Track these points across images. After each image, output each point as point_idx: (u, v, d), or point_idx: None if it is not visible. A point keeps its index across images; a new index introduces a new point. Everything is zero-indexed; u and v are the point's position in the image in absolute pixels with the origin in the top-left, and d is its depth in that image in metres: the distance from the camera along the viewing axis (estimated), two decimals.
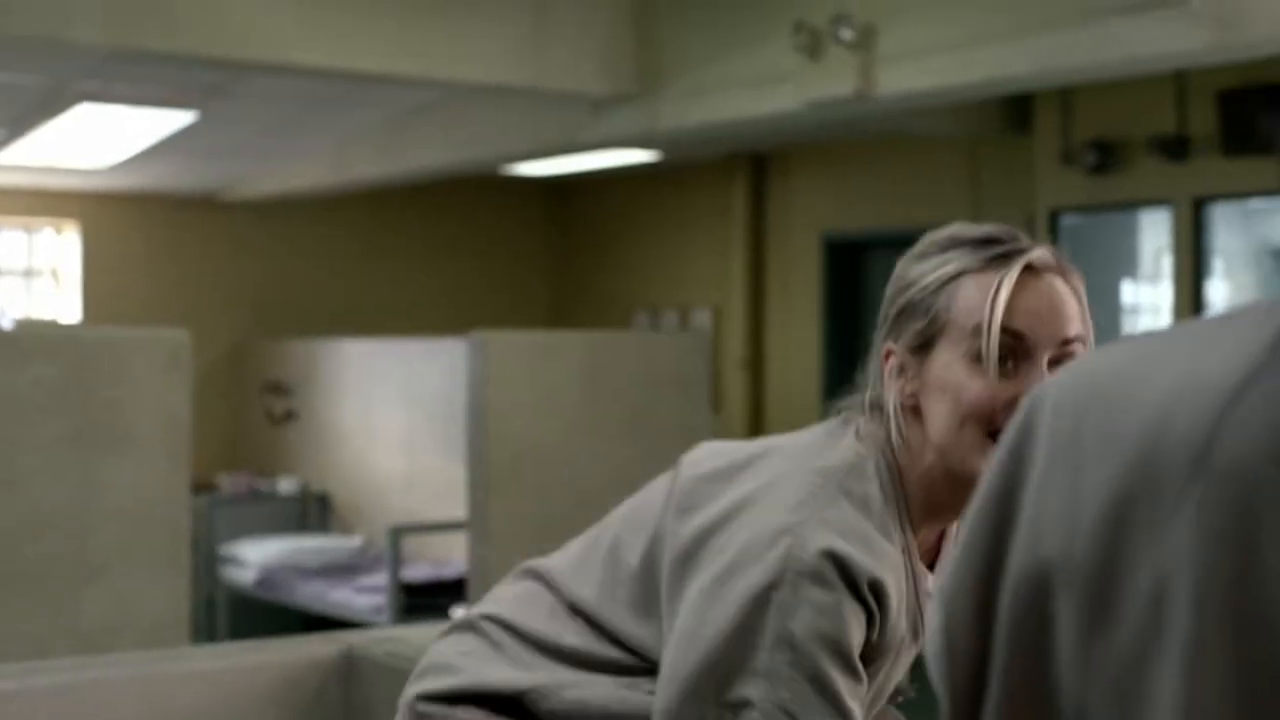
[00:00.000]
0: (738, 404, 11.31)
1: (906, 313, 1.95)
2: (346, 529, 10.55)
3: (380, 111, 9.77)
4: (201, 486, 8.72)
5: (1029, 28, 6.54)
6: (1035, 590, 0.76)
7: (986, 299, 1.88)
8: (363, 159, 10.47)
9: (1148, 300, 9.73)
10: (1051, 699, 0.76)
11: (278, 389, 11.21)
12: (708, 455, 2.04)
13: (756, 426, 11.29)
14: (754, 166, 11.38)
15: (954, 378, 1.89)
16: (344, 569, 9.84)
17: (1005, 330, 1.87)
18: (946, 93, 7.25)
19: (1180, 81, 8.30)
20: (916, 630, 1.98)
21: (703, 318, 11.82)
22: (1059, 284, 1.93)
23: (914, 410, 1.94)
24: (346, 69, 7.43)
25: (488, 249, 12.73)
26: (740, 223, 11.42)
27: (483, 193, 12.47)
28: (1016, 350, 1.88)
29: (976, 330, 1.88)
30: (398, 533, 8.63)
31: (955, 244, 1.95)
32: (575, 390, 7.76)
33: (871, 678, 1.93)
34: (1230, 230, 8.92)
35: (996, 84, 7.22)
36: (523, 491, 7.53)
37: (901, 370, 1.95)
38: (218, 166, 10.85)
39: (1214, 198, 8.41)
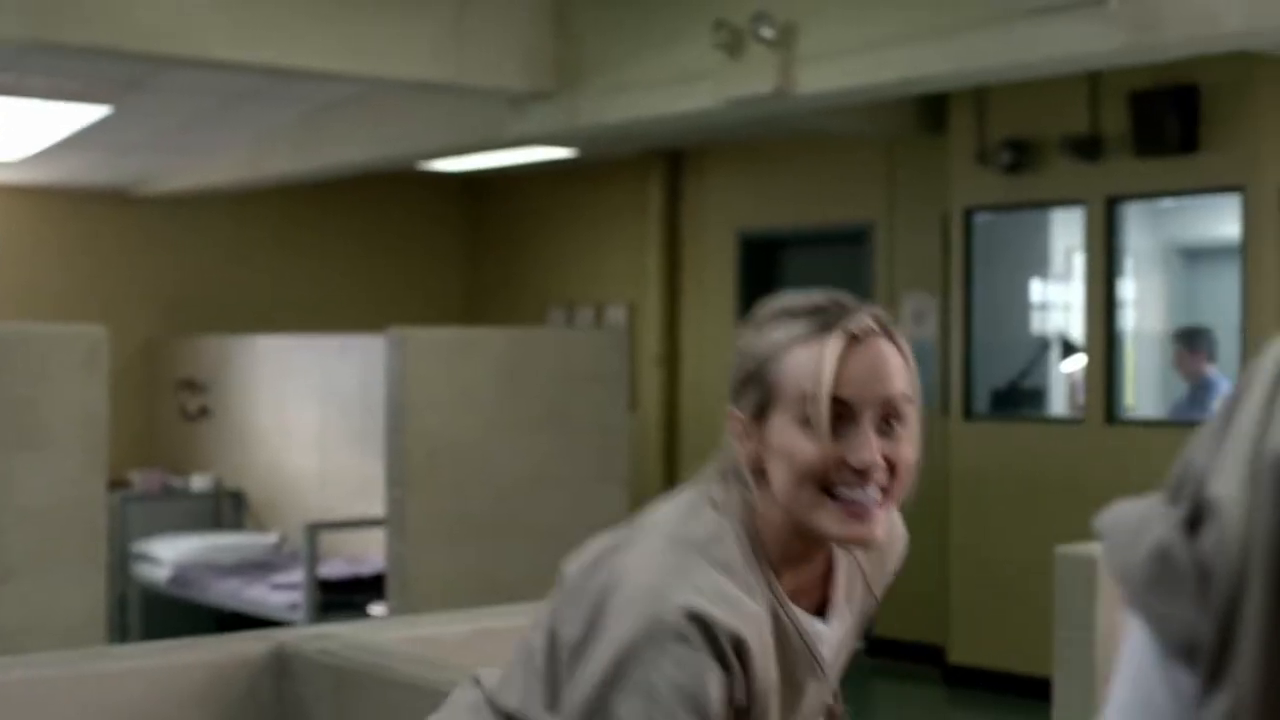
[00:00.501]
0: (653, 401, 11.35)
1: (745, 383, 2.06)
2: (261, 526, 10.49)
3: (297, 107, 9.73)
4: (114, 484, 8.63)
5: (946, 28, 6.61)
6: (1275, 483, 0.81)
7: (812, 368, 1.98)
8: (279, 154, 10.41)
9: (1058, 298, 9.85)
10: None
11: (191, 385, 11.13)
12: (587, 547, 2.15)
13: (671, 423, 11.33)
14: (670, 164, 11.41)
15: (787, 442, 2.00)
16: (259, 566, 9.79)
17: (831, 397, 1.97)
18: (865, 91, 7.31)
19: (1094, 82, 8.41)
20: (814, 668, 2.08)
21: (618, 314, 11.84)
22: (883, 346, 2.02)
23: (760, 472, 2.05)
24: (264, 64, 7.39)
25: (403, 245, 12.69)
26: (656, 220, 11.45)
27: (399, 189, 12.43)
28: (843, 414, 1.98)
29: (804, 398, 1.98)
30: (314, 530, 8.60)
31: (786, 314, 2.05)
32: (493, 387, 7.76)
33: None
34: (1140, 229, 9.05)
35: (914, 83, 7.29)
36: (440, 488, 7.53)
37: (746, 434, 2.06)
38: (133, 161, 10.76)
39: (1126, 197, 8.52)
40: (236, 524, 10.60)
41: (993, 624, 8.91)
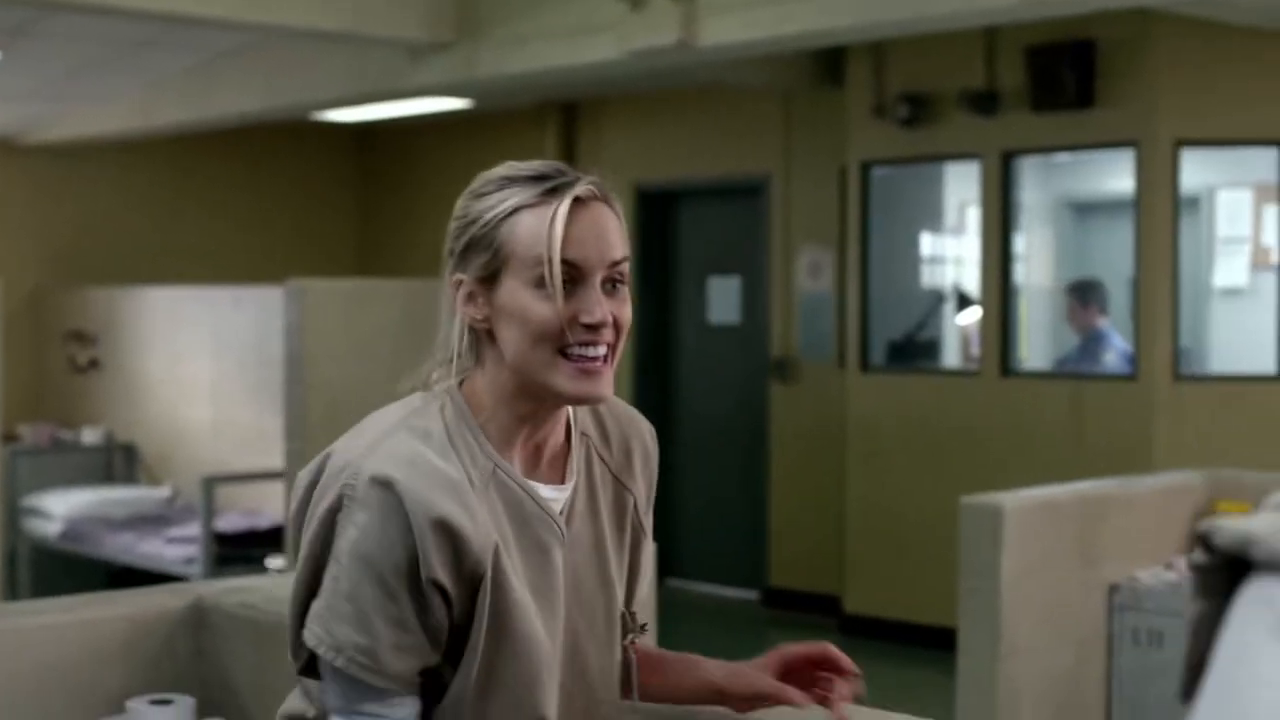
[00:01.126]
0: None
1: (471, 247, 2.11)
2: (154, 479, 10.38)
3: (189, 55, 9.58)
4: (2, 437, 8.50)
5: None
6: None
7: (543, 231, 2.04)
8: (170, 103, 10.26)
9: (952, 252, 9.93)
10: None
11: (81, 337, 10.97)
12: None
13: None
14: (565, 116, 11.37)
15: (520, 304, 2.06)
16: (152, 520, 9.68)
17: (562, 259, 2.04)
18: (766, 44, 7.32)
19: (991, 37, 8.46)
20: (559, 537, 2.15)
21: None
22: (605, 212, 2.09)
23: (488, 334, 2.11)
24: (155, 10, 7.28)
25: (295, 196, 12.57)
26: None
27: (292, 139, 12.30)
28: (574, 276, 2.06)
29: (537, 260, 2.04)
30: (211, 483, 8.52)
31: (511, 182, 2.10)
32: (392, 338, 7.70)
33: (489, 589, 2.06)
34: (1032, 184, 9.13)
35: (815, 37, 7.31)
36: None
37: (471, 298, 2.11)
38: (20, 109, 10.56)
39: (1022, 151, 8.60)
40: (129, 477, 10.48)
41: (889, 574, 9.00)
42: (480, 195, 2.13)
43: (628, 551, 2.30)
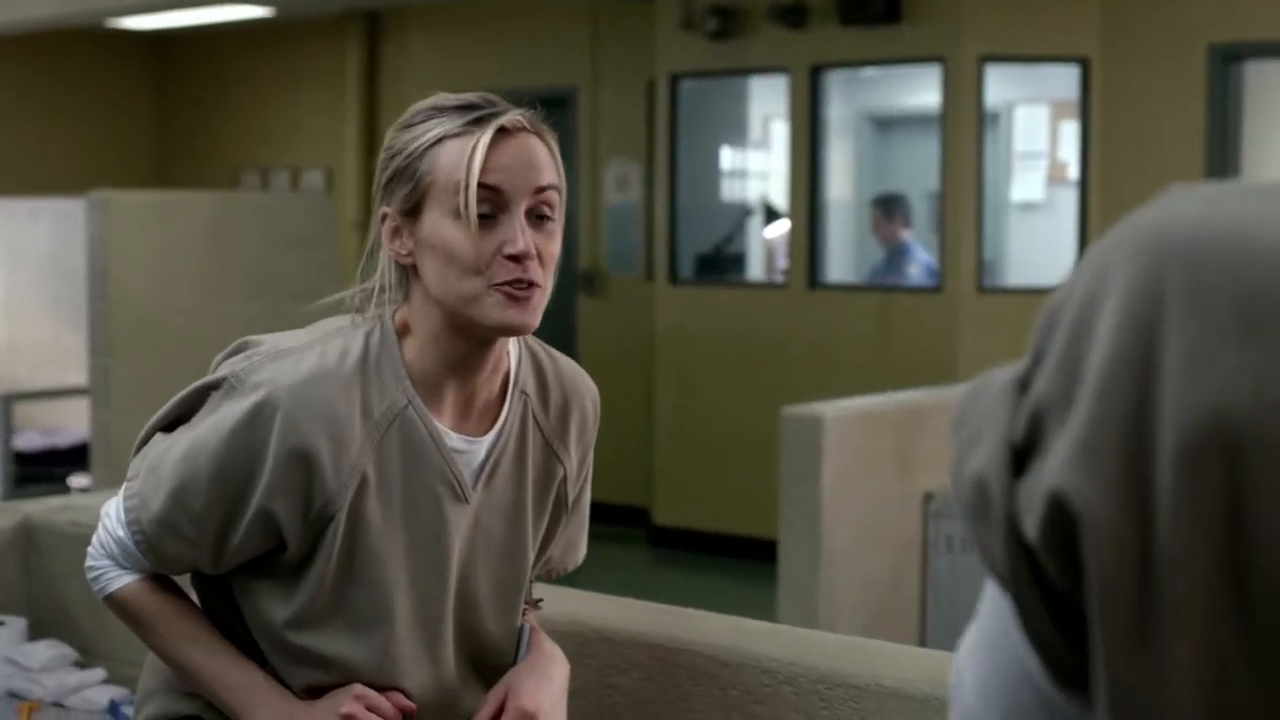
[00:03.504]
0: (352, 265, 11.19)
1: (396, 179, 2.07)
2: None
3: None
4: None
5: None
6: (1212, 444, 0.69)
7: (463, 159, 2.01)
8: None
9: (757, 165, 10.00)
10: (1244, 587, 0.69)
11: None
12: None
13: None
14: (368, 25, 11.21)
15: (442, 234, 2.02)
16: None
17: (481, 185, 2.01)
18: None
19: None
20: (456, 490, 2.12)
21: (315, 179, 11.63)
22: (532, 141, 2.06)
23: (413, 268, 2.07)
24: None
25: (88, 106, 12.24)
26: (353, 83, 11.25)
27: (87, 47, 11.97)
28: (495, 203, 2.02)
29: (457, 188, 2.01)
30: (8, 401, 8.30)
31: (438, 112, 2.06)
32: (198, 251, 7.57)
33: (339, 529, 2.06)
34: (837, 99, 9.21)
35: None
36: (146, 355, 7.34)
37: (396, 232, 2.07)
38: None
39: (829, 66, 8.66)
40: None
41: (698, 486, 9.09)
42: (407, 126, 2.09)
43: (546, 520, 2.25)
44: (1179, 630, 0.71)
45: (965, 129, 8.13)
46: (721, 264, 9.49)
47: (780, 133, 9.27)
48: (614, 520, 9.84)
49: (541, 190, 2.04)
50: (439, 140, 2.03)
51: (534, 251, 2.02)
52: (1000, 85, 8.66)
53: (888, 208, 8.87)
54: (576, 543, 2.37)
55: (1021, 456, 0.76)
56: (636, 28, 9.58)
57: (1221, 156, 7.80)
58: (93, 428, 7.34)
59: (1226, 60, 7.84)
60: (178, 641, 2.14)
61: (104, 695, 3.07)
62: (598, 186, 10.04)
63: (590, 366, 8.90)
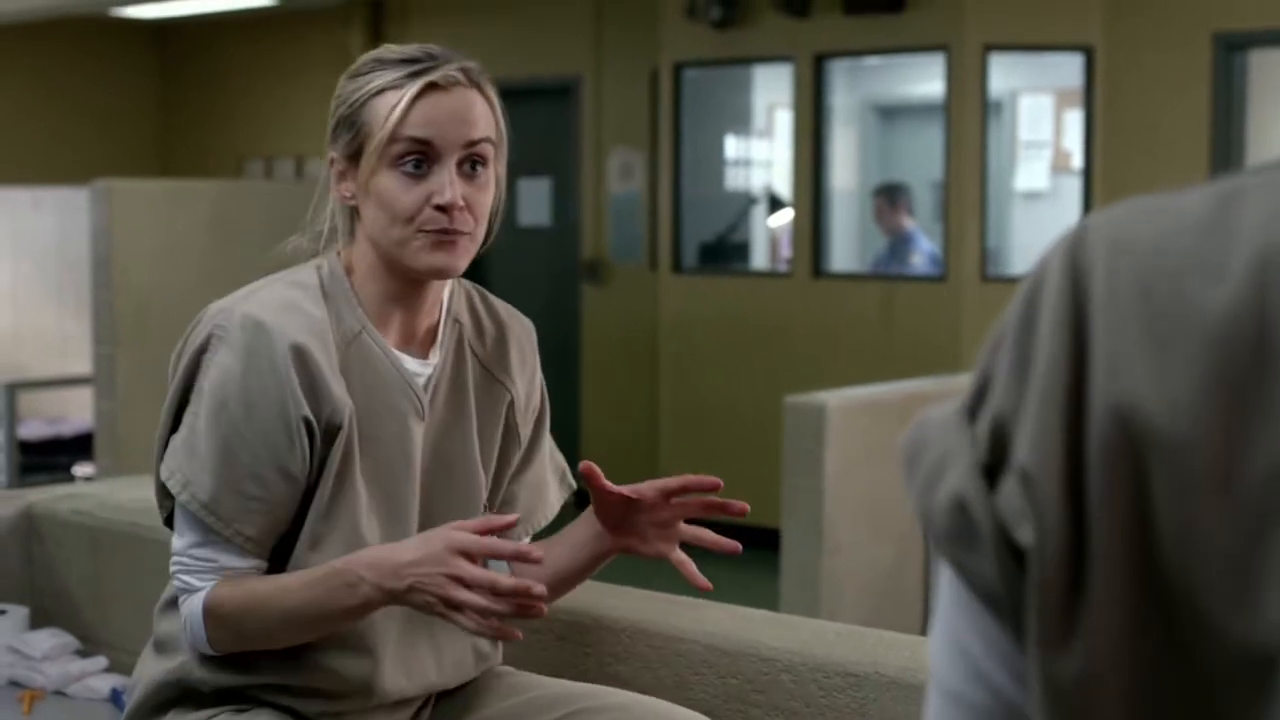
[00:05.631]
0: None
1: (340, 125, 2.17)
2: None
3: None
4: None
5: None
6: (1124, 438, 0.74)
7: (396, 111, 2.11)
8: None
9: (761, 154, 9.99)
10: (1153, 575, 0.73)
11: None
12: None
13: None
14: (372, 13, 11.20)
15: (376, 182, 2.12)
16: None
17: (412, 137, 2.10)
18: None
19: None
20: (417, 407, 2.20)
21: (319, 168, 11.62)
22: (470, 95, 2.15)
23: (357, 210, 2.19)
24: None
25: (95, 95, 12.24)
26: None
27: (88, 36, 11.96)
28: (427, 154, 2.11)
29: (389, 138, 2.10)
30: (13, 389, 8.31)
31: (381, 64, 2.16)
32: (203, 240, 7.58)
33: (342, 444, 2.12)
34: (840, 87, 9.20)
35: None
36: (150, 344, 7.34)
37: (342, 175, 2.18)
38: None
39: (833, 54, 8.65)
40: None
41: (702, 473, 9.06)
42: (354, 75, 2.18)
43: (498, 447, 2.31)
44: (1102, 622, 0.74)
45: (969, 118, 8.12)
46: (725, 253, 9.48)
47: (784, 122, 9.26)
48: None
49: (473, 144, 2.14)
50: (379, 91, 2.13)
51: (461, 202, 2.11)
52: (1004, 74, 8.65)
53: (891, 197, 8.87)
54: (543, 490, 2.42)
55: (992, 473, 0.79)
56: (640, 16, 9.57)
57: (1225, 145, 7.79)
58: (97, 417, 7.35)
59: (1231, 49, 7.83)
60: (268, 608, 2.10)
61: (106, 684, 3.08)
62: (601, 176, 10.03)
63: (594, 356, 8.94)
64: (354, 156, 2.14)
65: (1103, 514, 0.74)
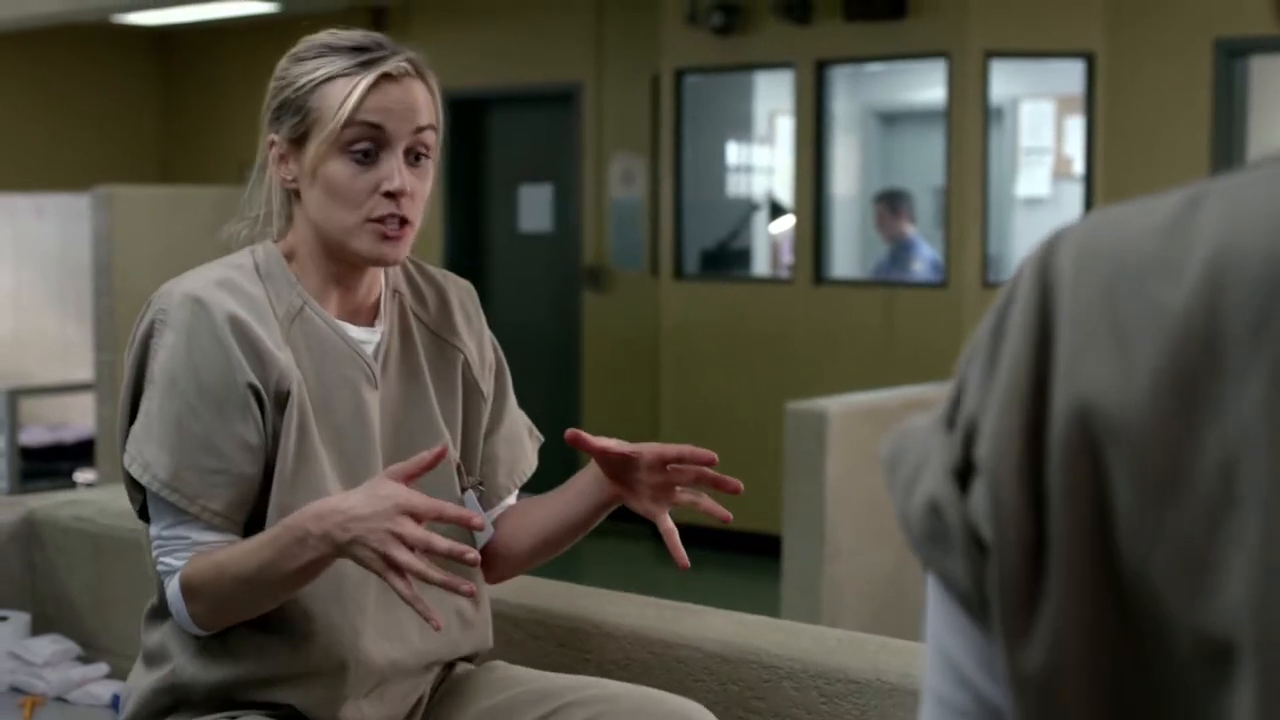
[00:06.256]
0: None
1: (284, 109, 2.19)
2: None
3: None
4: None
5: None
6: (1084, 436, 0.76)
7: (347, 99, 2.13)
8: None
9: (762, 161, 9.99)
10: (1113, 567, 0.76)
11: None
12: None
13: None
14: (373, 20, 11.20)
15: (325, 169, 2.15)
16: None
17: (364, 123, 2.14)
18: None
19: None
20: (368, 375, 2.24)
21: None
22: (416, 85, 2.19)
23: (297, 193, 2.21)
24: None
25: (97, 101, 12.25)
26: None
27: (89, 43, 11.97)
28: (377, 139, 2.15)
29: (339, 125, 2.13)
30: (15, 396, 8.32)
31: (330, 50, 2.19)
32: (204, 246, 7.57)
33: (296, 410, 2.14)
34: (841, 94, 9.20)
35: None
36: None
37: (283, 159, 2.20)
38: None
39: (835, 61, 8.66)
40: None
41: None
42: (300, 60, 2.20)
43: (461, 409, 2.34)
44: (1065, 615, 0.77)
45: (970, 124, 8.12)
46: (726, 259, 9.49)
47: (785, 128, 9.26)
48: (617, 516, 9.81)
49: (420, 130, 2.17)
50: (328, 79, 2.15)
51: (409, 189, 2.14)
52: (1005, 80, 8.65)
53: (892, 203, 8.87)
54: (521, 442, 2.45)
55: (964, 478, 0.81)
56: (641, 23, 9.58)
57: (1226, 152, 7.80)
58: (98, 423, 7.35)
59: (1232, 55, 7.83)
60: (232, 574, 2.10)
61: (107, 690, 3.08)
62: (603, 182, 10.04)
63: (595, 362, 8.94)
64: (298, 141, 2.17)
65: (1063, 509, 0.76)
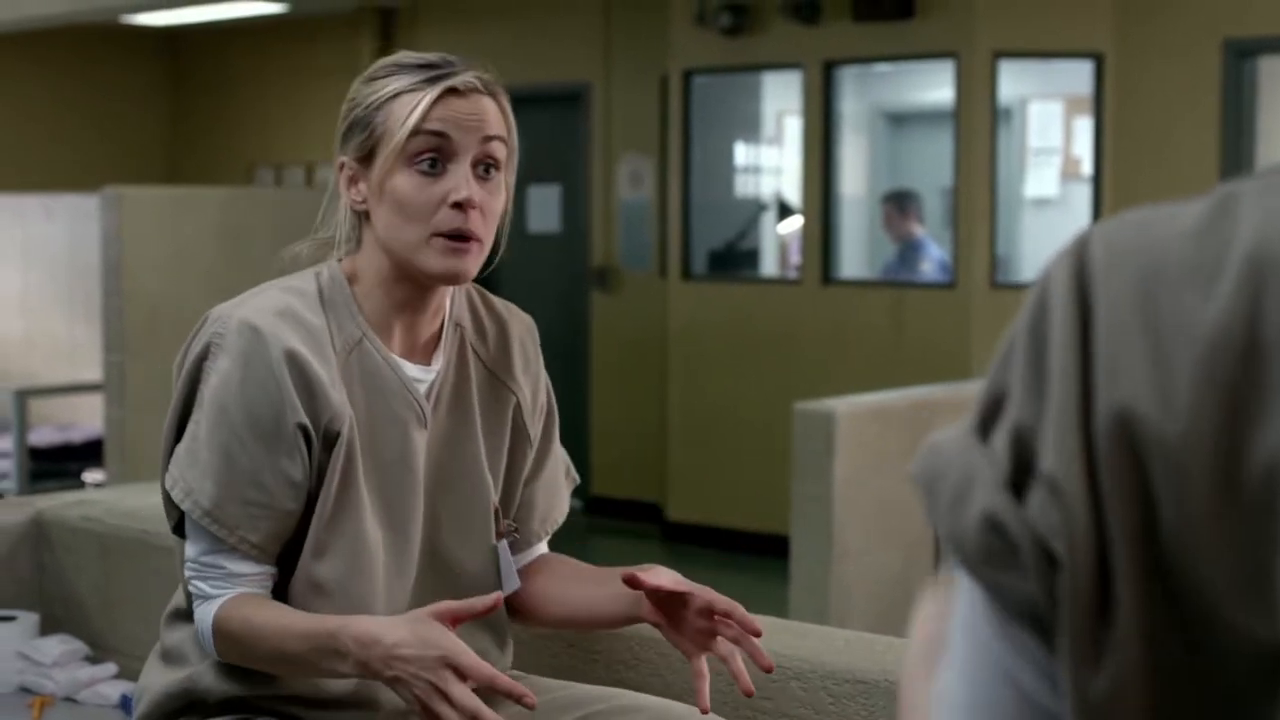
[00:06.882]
0: None
1: (354, 127, 2.16)
2: None
3: None
4: None
5: None
6: (1129, 446, 0.75)
7: (413, 110, 2.11)
8: None
9: (770, 161, 9.99)
10: (1166, 580, 0.74)
11: None
12: None
13: None
14: (382, 21, 11.21)
15: (391, 182, 2.11)
16: None
17: (429, 132, 2.11)
18: None
19: None
20: (419, 415, 2.20)
21: (329, 176, 11.64)
22: (484, 100, 2.16)
23: (367, 215, 2.16)
24: None
25: (105, 101, 12.27)
26: None
27: (101, 43, 11.99)
28: (443, 151, 2.12)
29: (406, 138, 2.11)
30: (24, 396, 8.32)
31: (399, 68, 2.16)
32: (213, 247, 7.59)
33: (343, 449, 2.11)
34: (849, 94, 9.20)
35: None
36: (160, 350, 7.35)
37: (353, 180, 2.17)
38: None
39: (843, 61, 8.65)
40: None
41: (711, 481, 9.08)
42: (370, 80, 2.17)
43: (507, 452, 2.31)
44: (1125, 632, 0.75)
45: (979, 125, 8.12)
46: (735, 260, 9.48)
47: (793, 128, 9.26)
48: (627, 516, 9.85)
49: (489, 139, 2.13)
50: (396, 94, 2.12)
51: (476, 202, 2.10)
52: (1014, 81, 8.65)
53: (901, 203, 8.87)
54: (558, 489, 2.43)
55: (1017, 487, 0.78)
56: (650, 23, 9.58)
57: (1235, 152, 7.79)
58: (107, 424, 7.36)
59: (1241, 55, 7.82)
60: (264, 643, 2.09)
61: (116, 690, 3.08)
62: (611, 182, 10.04)
63: (604, 362, 8.97)
64: (366, 159, 2.14)
65: (1118, 521, 0.74)
